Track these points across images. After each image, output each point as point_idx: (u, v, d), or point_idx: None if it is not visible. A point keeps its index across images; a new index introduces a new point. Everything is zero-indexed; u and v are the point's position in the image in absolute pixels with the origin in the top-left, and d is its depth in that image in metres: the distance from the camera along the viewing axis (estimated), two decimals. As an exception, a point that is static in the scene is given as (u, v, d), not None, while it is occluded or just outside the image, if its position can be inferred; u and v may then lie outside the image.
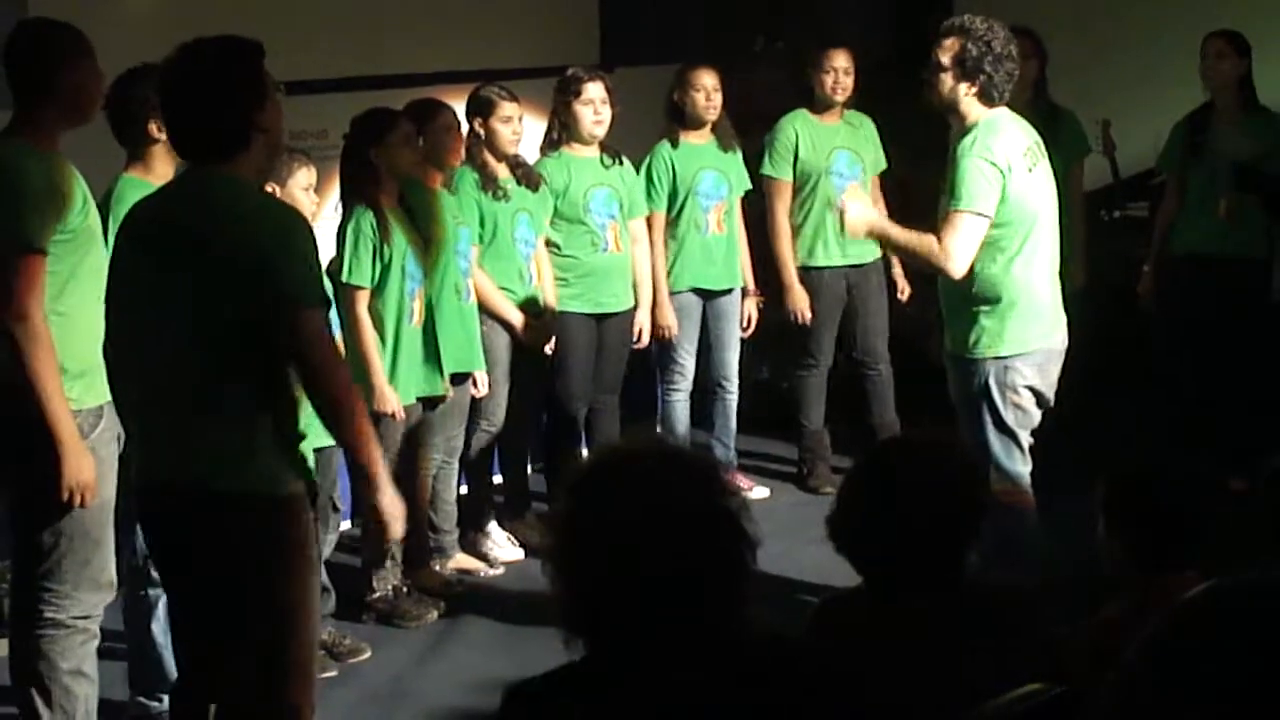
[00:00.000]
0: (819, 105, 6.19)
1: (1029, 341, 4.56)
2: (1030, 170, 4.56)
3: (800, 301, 6.23)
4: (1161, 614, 1.57)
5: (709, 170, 6.07)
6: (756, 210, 6.34)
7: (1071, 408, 6.38)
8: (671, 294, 6.09)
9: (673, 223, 6.08)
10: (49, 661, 3.81)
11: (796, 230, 6.25)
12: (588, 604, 2.07)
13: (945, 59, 4.46)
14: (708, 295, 6.19)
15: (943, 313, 4.72)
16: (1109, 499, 2.98)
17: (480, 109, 5.46)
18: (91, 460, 3.67)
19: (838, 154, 6.16)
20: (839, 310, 6.33)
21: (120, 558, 3.99)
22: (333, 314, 4.68)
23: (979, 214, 4.40)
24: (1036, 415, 4.64)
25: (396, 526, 3.35)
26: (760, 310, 6.40)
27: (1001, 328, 4.52)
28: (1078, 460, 5.52)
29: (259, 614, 3.25)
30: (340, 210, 5.05)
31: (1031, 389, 4.57)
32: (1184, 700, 1.44)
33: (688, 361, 6.23)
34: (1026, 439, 4.62)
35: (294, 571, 3.26)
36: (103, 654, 3.99)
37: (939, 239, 4.44)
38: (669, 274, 6.08)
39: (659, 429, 6.32)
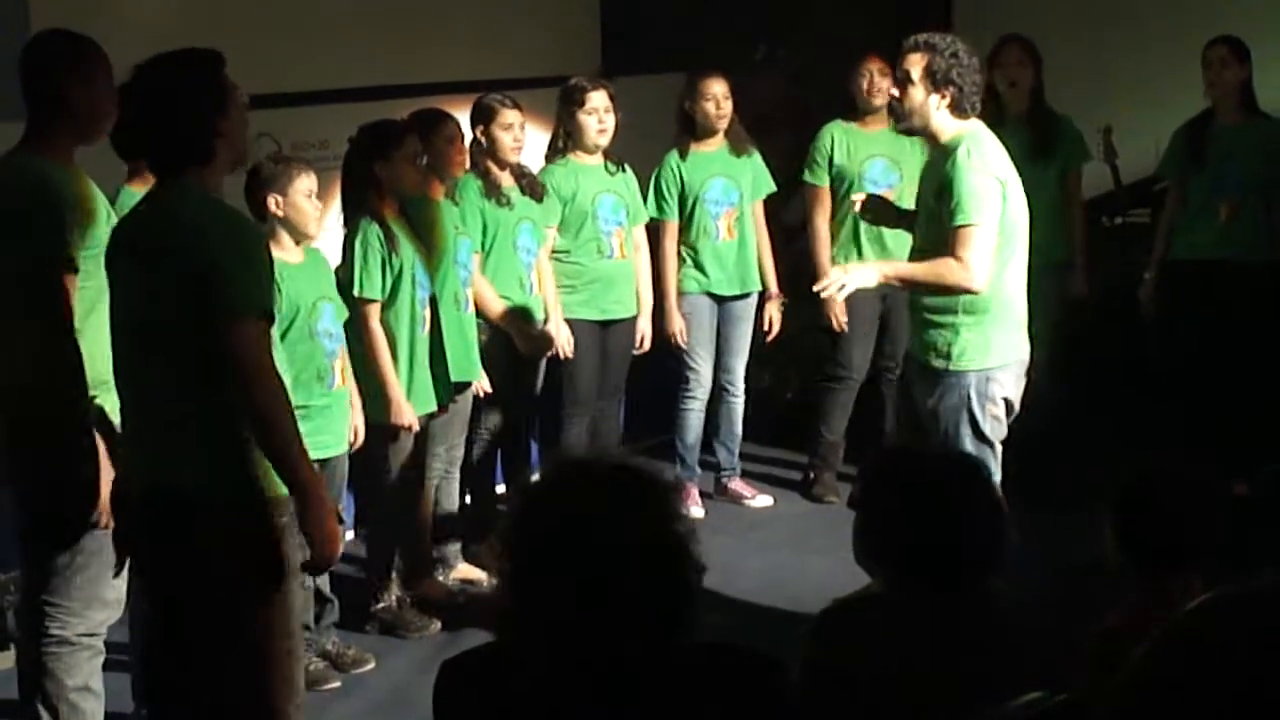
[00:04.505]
0: (859, 112, 6.18)
1: (1009, 353, 4.56)
2: (1017, 181, 4.58)
3: (838, 313, 6.15)
4: (1165, 620, 1.57)
5: (718, 177, 6.08)
6: (779, 212, 6.35)
7: (1074, 413, 6.42)
8: (683, 297, 6.11)
9: (684, 230, 6.10)
10: (56, 679, 3.81)
11: (834, 237, 6.22)
12: (524, 610, 2.09)
13: (915, 72, 4.47)
14: (720, 300, 6.20)
15: (917, 325, 4.66)
16: (1114, 504, 2.98)
17: (482, 116, 5.48)
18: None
19: (873, 161, 6.13)
20: (873, 325, 6.25)
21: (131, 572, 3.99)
22: (337, 325, 4.74)
23: (988, 225, 4.39)
24: (1005, 426, 4.63)
25: (328, 548, 3.29)
26: (784, 316, 6.38)
27: (985, 340, 4.51)
28: (1081, 466, 5.54)
29: (237, 618, 3.25)
30: (342, 221, 5.04)
31: (1006, 399, 4.57)
32: (1188, 708, 1.44)
33: (703, 368, 6.23)
34: (999, 449, 4.61)
35: (272, 575, 3.27)
36: (108, 666, 3.99)
37: (955, 256, 4.40)
38: (680, 279, 6.09)
39: (668, 437, 6.33)
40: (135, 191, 4.07)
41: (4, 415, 3.77)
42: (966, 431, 4.54)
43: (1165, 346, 6.26)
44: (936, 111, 4.48)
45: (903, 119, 4.60)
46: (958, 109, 4.48)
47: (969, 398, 4.52)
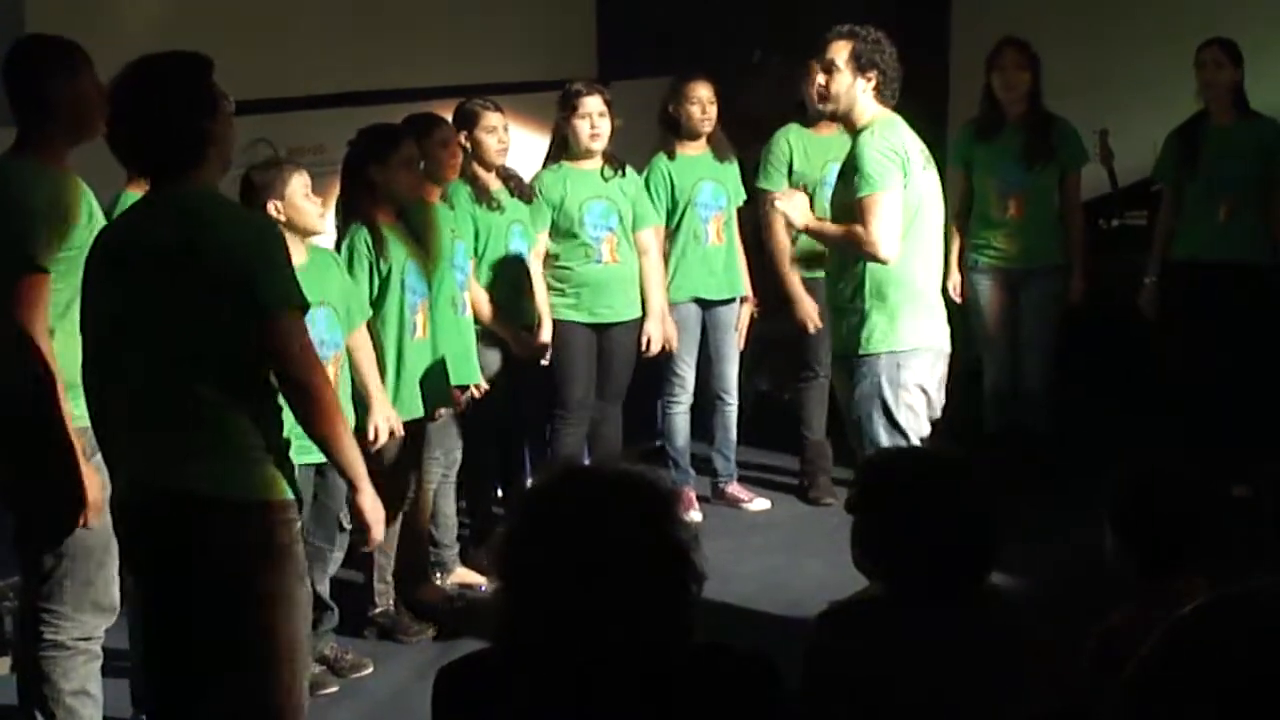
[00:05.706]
0: (811, 118, 6.17)
1: (921, 338, 4.59)
2: (924, 168, 4.64)
3: (809, 311, 6.10)
4: (1165, 620, 1.57)
5: (707, 181, 6.07)
6: (750, 221, 6.33)
7: (1073, 414, 6.42)
8: (672, 305, 6.09)
9: (672, 234, 6.08)
10: (51, 683, 3.80)
11: (793, 242, 6.22)
12: (522, 615, 2.08)
13: (839, 59, 4.61)
14: (707, 306, 6.19)
15: (831, 320, 4.74)
16: (1115, 505, 2.98)
17: (465, 121, 5.46)
18: (99, 478, 3.65)
19: (832, 165, 6.12)
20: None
21: (124, 577, 3.98)
22: (332, 333, 4.72)
23: (891, 194, 4.48)
24: (926, 422, 4.64)
25: (377, 529, 3.44)
26: (753, 319, 6.38)
27: (893, 323, 4.56)
28: (1081, 466, 5.54)
29: (244, 618, 3.24)
30: (335, 225, 5.03)
31: (922, 388, 4.59)
32: (1188, 708, 1.44)
33: (687, 373, 6.23)
34: (917, 442, 4.60)
35: (279, 575, 3.27)
36: (107, 672, 3.98)
37: (863, 226, 4.49)
38: (669, 285, 6.08)
39: (660, 441, 6.33)
40: (135, 195, 4.05)
41: None
42: (880, 419, 4.55)
43: (1164, 348, 6.27)
44: (862, 95, 4.61)
45: (828, 103, 4.70)
46: (881, 94, 4.61)
47: (880, 384, 4.54)
